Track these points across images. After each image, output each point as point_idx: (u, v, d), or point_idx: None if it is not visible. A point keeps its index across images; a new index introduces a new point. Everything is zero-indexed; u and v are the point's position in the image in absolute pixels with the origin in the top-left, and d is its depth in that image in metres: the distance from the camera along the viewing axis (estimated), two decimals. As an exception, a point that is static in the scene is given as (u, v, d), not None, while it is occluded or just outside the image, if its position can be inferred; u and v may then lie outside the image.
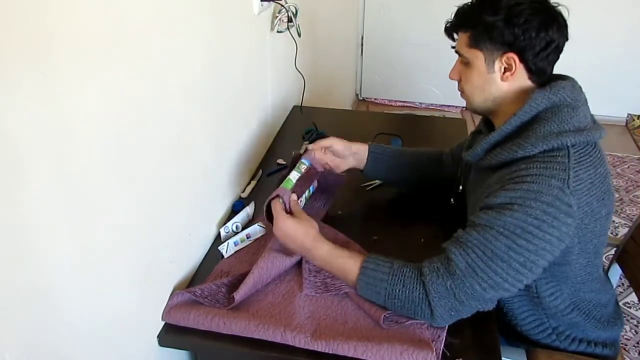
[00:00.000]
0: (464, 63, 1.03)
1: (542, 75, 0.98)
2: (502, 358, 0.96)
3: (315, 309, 1.02)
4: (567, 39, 0.97)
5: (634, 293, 1.49)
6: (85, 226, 0.76)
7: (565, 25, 0.96)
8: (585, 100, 0.98)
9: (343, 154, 1.27)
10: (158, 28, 0.91)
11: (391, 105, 3.97)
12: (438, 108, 3.91)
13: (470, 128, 1.42)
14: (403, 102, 3.98)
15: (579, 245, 0.97)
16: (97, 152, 0.77)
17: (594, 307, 1.10)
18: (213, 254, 1.21)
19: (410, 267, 0.97)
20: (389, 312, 0.98)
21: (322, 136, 1.56)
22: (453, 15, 1.03)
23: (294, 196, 1.10)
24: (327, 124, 1.81)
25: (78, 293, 0.76)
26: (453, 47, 1.05)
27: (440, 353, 0.93)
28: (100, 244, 0.80)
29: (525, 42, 0.94)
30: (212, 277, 1.12)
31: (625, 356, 1.84)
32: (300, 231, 1.04)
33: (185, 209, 1.11)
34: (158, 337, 1.01)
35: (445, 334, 0.96)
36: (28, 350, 0.67)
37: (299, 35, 1.68)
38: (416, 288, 0.94)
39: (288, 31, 1.64)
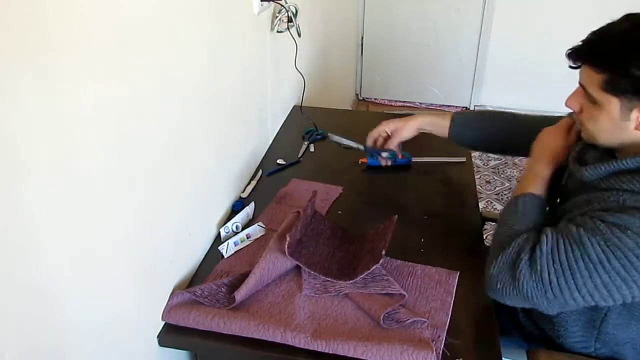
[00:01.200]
0: (591, 101, 0.91)
1: None
2: (502, 358, 0.96)
3: (315, 309, 1.02)
4: None
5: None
6: (85, 226, 0.76)
7: None
8: None
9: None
10: (158, 28, 0.91)
11: (391, 105, 3.98)
12: (438, 108, 3.92)
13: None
14: (403, 102, 3.99)
15: None
16: (97, 152, 0.77)
17: None
18: (213, 254, 1.21)
19: (531, 225, 0.97)
20: (389, 311, 0.98)
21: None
22: (583, 43, 0.90)
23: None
24: (327, 124, 1.81)
25: (78, 293, 0.76)
26: (572, 67, 0.93)
27: (441, 353, 0.93)
28: (100, 244, 0.80)
29: None
30: (212, 277, 1.12)
31: None
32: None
33: (185, 209, 1.11)
34: (158, 337, 1.01)
35: (445, 334, 0.96)
36: (28, 350, 0.67)
37: (299, 35, 1.68)
38: (509, 238, 0.95)
39: (288, 31, 1.64)
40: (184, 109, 1.05)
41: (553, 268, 0.87)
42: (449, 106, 3.89)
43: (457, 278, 1.11)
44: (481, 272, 1.00)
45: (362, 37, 3.80)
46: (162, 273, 1.04)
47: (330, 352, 0.94)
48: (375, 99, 4.02)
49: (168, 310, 1.02)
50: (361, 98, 4.03)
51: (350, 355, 0.93)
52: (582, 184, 0.97)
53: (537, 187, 1.04)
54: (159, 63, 0.92)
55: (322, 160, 1.64)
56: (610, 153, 0.97)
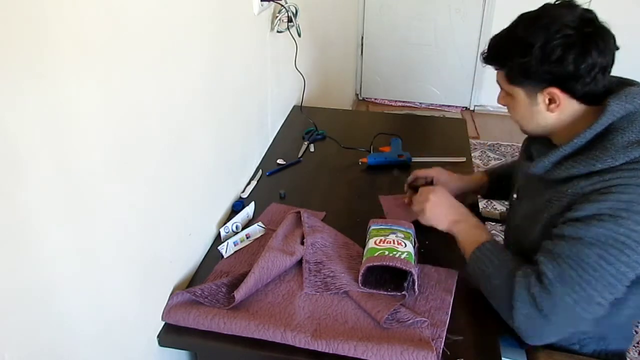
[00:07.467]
0: (508, 94, 1.01)
1: (593, 97, 0.93)
2: (502, 358, 0.96)
3: (315, 308, 1.02)
4: (614, 51, 0.92)
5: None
6: (85, 226, 0.76)
7: (608, 42, 0.90)
8: None
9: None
10: (159, 28, 0.91)
11: (391, 105, 3.98)
12: (438, 108, 3.92)
13: (471, 128, 1.42)
14: (403, 102, 3.98)
15: None
16: (97, 152, 0.77)
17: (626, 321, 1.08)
18: (213, 254, 1.21)
19: (514, 263, 0.96)
20: (390, 312, 0.98)
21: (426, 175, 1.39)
22: (487, 47, 1.00)
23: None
24: (327, 124, 1.81)
25: (78, 293, 0.76)
26: (497, 69, 1.02)
27: (441, 352, 0.93)
28: (100, 244, 0.80)
29: (564, 77, 0.90)
30: (212, 277, 1.12)
31: (625, 356, 1.83)
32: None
33: (185, 209, 1.11)
34: (158, 337, 1.01)
35: (445, 334, 0.96)
36: (28, 350, 0.67)
37: (299, 35, 1.68)
38: (507, 284, 0.93)
39: (288, 31, 1.64)
40: (183, 109, 1.05)
41: (569, 289, 0.87)
42: (449, 106, 3.89)
43: (456, 277, 1.11)
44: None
45: (362, 37, 3.80)
46: (162, 273, 1.04)
47: (330, 351, 0.94)
48: (375, 99, 4.02)
49: (168, 310, 1.02)
50: (361, 98, 4.03)
51: (350, 355, 0.93)
52: (539, 179, 1.02)
53: (482, 234, 1.06)
54: (159, 63, 0.92)
55: (322, 160, 1.64)
56: (552, 143, 1.02)
